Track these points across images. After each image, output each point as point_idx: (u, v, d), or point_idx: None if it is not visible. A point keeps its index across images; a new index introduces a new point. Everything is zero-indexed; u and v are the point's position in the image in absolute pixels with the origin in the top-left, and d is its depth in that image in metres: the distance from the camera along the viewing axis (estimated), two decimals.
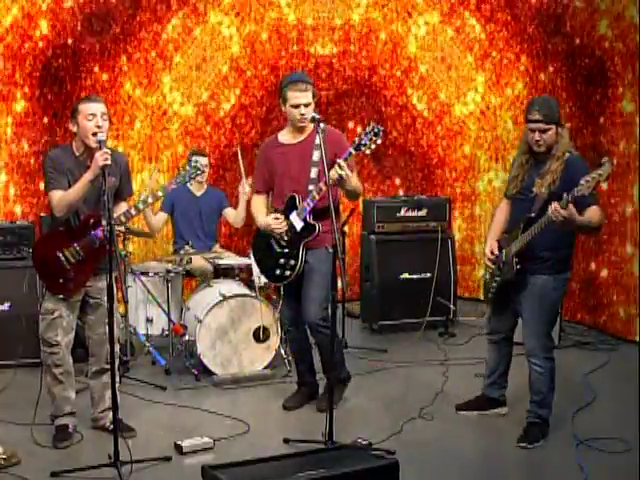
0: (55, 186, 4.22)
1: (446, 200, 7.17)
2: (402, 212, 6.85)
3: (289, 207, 4.66)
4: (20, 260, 5.64)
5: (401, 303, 6.73)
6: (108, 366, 4.26)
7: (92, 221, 4.26)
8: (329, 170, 4.29)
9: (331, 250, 4.34)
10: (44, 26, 6.62)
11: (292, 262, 4.66)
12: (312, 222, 4.61)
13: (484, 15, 7.59)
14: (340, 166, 4.34)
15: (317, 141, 4.49)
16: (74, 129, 4.25)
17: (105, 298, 4.05)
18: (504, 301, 4.51)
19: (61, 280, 4.28)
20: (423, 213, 6.90)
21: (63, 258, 4.27)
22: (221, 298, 5.47)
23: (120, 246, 5.48)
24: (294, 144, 4.72)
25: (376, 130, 4.29)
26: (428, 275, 6.75)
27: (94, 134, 4.15)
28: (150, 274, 5.95)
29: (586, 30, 6.67)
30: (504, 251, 4.39)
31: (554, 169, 4.16)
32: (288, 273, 4.68)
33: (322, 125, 4.37)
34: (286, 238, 4.67)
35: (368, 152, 4.36)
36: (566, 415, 4.70)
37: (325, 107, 7.56)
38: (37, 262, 4.42)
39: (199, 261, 6.12)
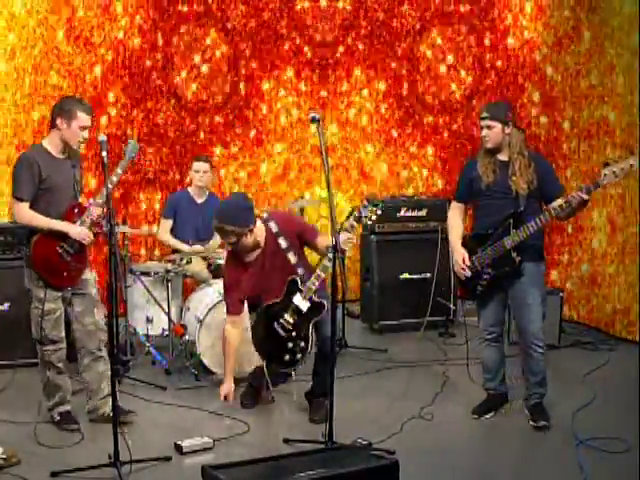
0: (24, 195, 4.39)
1: (446, 200, 7.17)
2: (402, 212, 6.85)
3: (290, 291, 4.60)
4: (20, 260, 5.61)
5: (401, 303, 6.73)
6: (101, 353, 4.56)
7: (77, 210, 4.49)
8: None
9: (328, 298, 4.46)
10: None
11: (302, 344, 4.62)
12: (318, 300, 4.55)
13: None
14: (349, 239, 4.37)
15: (274, 229, 4.66)
16: (62, 126, 4.39)
17: (91, 289, 4.57)
18: (492, 295, 4.69)
19: (65, 273, 4.46)
20: (423, 213, 6.89)
21: (62, 251, 4.42)
22: (221, 298, 5.47)
23: (120, 246, 5.52)
24: (260, 254, 4.70)
25: (375, 202, 4.35)
26: (428, 275, 6.75)
27: (80, 142, 4.45)
28: (150, 274, 5.96)
29: None
30: (489, 249, 4.57)
31: (522, 167, 4.53)
32: (299, 356, 4.63)
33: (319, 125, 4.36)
34: (292, 321, 4.60)
35: (370, 223, 4.44)
36: (566, 415, 4.71)
37: None
38: (38, 262, 4.47)
39: (197, 266, 6.12)
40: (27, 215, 4.41)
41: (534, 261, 4.58)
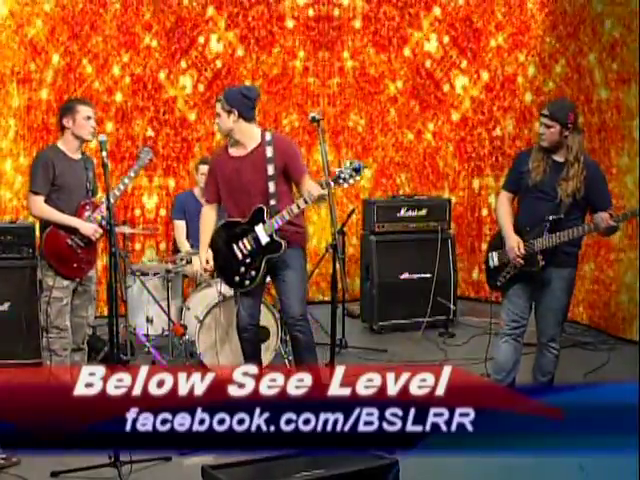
0: (39, 189, 4.71)
1: (446, 200, 7.18)
2: (402, 212, 6.85)
3: (255, 218, 4.58)
4: (20, 260, 5.63)
5: (401, 303, 6.73)
6: (82, 346, 4.96)
7: (88, 207, 4.80)
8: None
9: (303, 249, 4.70)
10: None
11: (252, 273, 4.62)
12: (278, 240, 4.54)
13: None
14: (322, 188, 4.31)
15: (269, 154, 4.55)
16: (68, 124, 4.71)
17: (92, 286, 4.92)
18: (520, 293, 4.62)
19: (75, 265, 4.76)
20: (423, 213, 6.90)
21: (73, 244, 4.72)
22: (221, 298, 5.47)
23: (120, 246, 5.53)
24: (244, 156, 4.65)
25: (356, 166, 4.29)
26: (428, 275, 6.75)
27: (91, 132, 4.75)
28: (150, 274, 5.95)
29: None
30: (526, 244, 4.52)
31: (575, 174, 4.38)
32: (247, 283, 4.65)
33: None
34: (249, 248, 4.61)
35: (346, 186, 4.37)
36: None
37: None
38: (49, 252, 4.76)
39: (197, 266, 6.09)
40: (41, 208, 4.72)
41: (568, 267, 4.53)
